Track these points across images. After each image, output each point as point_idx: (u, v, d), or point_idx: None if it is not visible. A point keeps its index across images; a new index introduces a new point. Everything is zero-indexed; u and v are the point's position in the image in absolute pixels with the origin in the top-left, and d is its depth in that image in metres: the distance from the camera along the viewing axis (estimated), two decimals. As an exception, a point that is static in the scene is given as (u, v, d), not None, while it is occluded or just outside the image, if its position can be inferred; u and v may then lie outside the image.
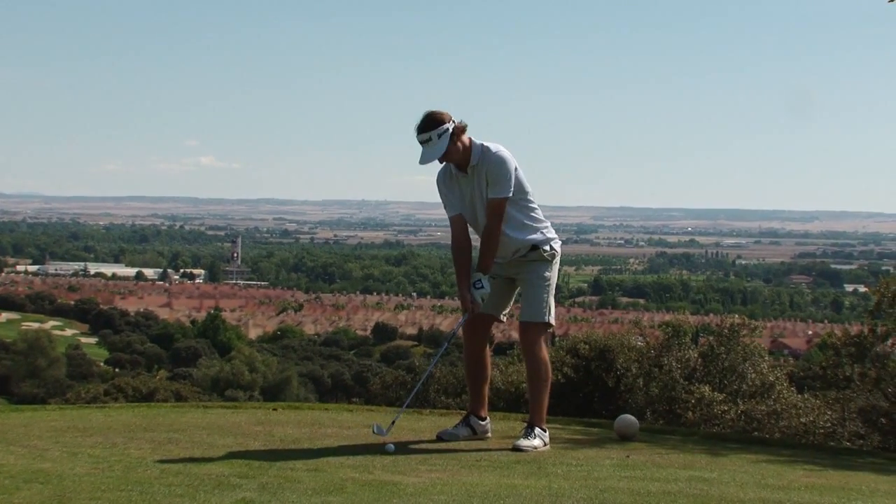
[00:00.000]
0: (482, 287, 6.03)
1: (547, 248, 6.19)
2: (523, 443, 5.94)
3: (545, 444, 6.06)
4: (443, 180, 6.15)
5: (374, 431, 5.91)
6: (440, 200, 6.18)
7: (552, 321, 6.21)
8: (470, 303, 6.04)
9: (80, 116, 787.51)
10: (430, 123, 5.87)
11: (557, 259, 6.27)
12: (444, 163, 6.02)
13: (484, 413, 6.30)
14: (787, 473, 5.67)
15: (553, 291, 6.24)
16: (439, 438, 6.14)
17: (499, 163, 5.96)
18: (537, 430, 6.07)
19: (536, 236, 6.16)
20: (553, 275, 6.23)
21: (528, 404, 6.44)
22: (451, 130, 5.88)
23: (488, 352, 6.38)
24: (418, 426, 6.74)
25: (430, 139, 5.86)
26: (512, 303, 6.38)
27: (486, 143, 6.00)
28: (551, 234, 6.24)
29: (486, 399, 6.35)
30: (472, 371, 6.29)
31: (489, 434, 6.27)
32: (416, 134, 5.91)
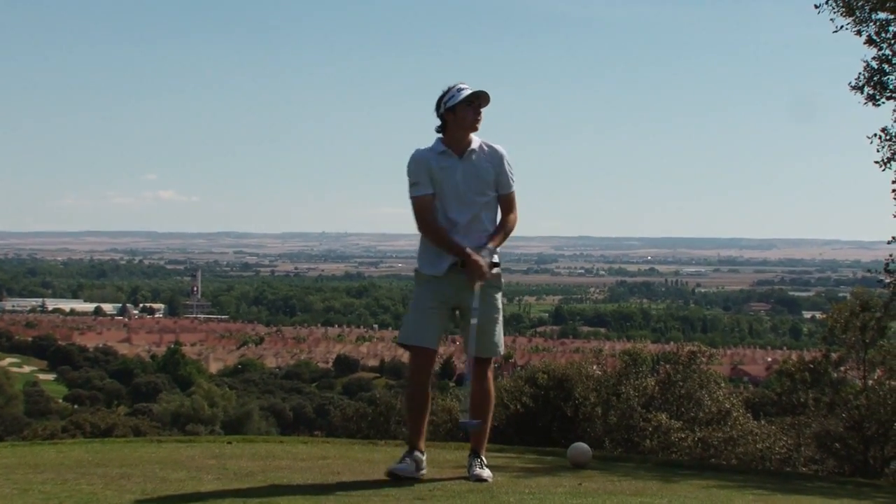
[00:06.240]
0: (488, 256, 5.80)
1: (500, 273, 6.06)
2: (485, 473, 5.92)
3: None
4: (432, 158, 5.91)
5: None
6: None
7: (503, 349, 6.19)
8: (487, 268, 5.80)
9: (36, 151, 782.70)
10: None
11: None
12: (437, 143, 5.93)
13: (423, 445, 6.03)
14: (736, 498, 5.72)
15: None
16: (391, 476, 5.84)
17: (503, 157, 5.93)
18: (484, 459, 6.07)
19: (496, 257, 6.00)
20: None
21: (470, 436, 6.30)
22: (462, 105, 5.82)
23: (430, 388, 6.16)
24: (373, 457, 6.74)
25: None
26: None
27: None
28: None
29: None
30: (421, 405, 6.01)
31: (424, 470, 5.94)
32: (461, 87, 5.85)
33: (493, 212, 5.97)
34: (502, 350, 6.14)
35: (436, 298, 5.91)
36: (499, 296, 6.05)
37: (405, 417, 6.25)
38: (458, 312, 5.99)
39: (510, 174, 5.95)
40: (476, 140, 5.92)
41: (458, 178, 5.86)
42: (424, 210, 5.88)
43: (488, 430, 6.14)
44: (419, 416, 5.95)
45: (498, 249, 5.95)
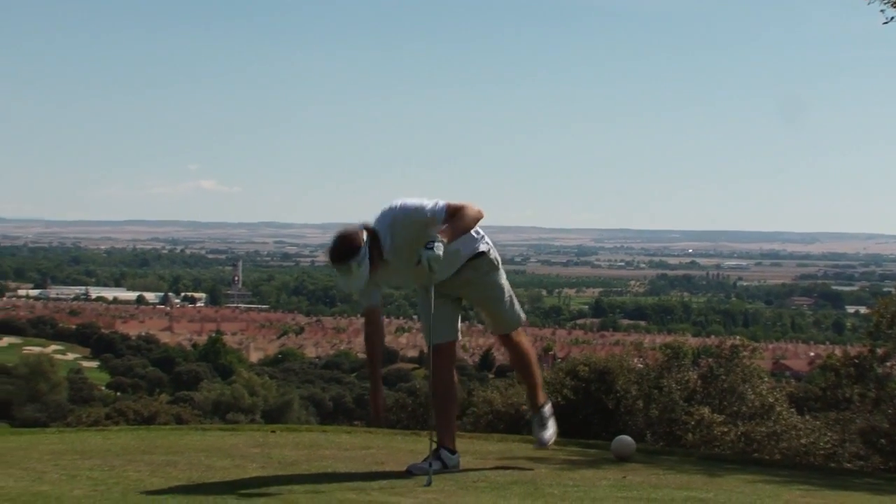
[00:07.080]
0: (432, 250, 5.48)
1: (494, 255, 6.08)
2: (547, 434, 6.17)
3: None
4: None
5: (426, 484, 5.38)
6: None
7: (524, 316, 6.36)
8: (382, 410, 6.05)
9: (80, 141, 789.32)
10: (347, 251, 5.57)
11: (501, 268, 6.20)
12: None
13: (454, 445, 5.99)
14: (783, 493, 5.68)
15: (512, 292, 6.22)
16: (409, 472, 5.73)
17: (406, 213, 5.71)
18: (546, 410, 6.31)
19: (480, 245, 6.02)
20: (505, 280, 6.20)
21: (528, 425, 6.44)
22: (367, 251, 5.58)
23: (456, 377, 6.19)
24: (417, 448, 6.75)
25: (349, 269, 5.56)
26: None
27: (378, 219, 5.77)
28: (490, 242, 6.09)
29: (455, 430, 6.13)
30: (442, 400, 6.01)
31: (459, 468, 5.90)
32: (330, 260, 5.63)
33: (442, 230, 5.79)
34: (522, 319, 6.32)
35: (436, 295, 5.94)
36: (496, 275, 6.11)
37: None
38: (464, 302, 6.14)
39: (425, 208, 5.68)
40: (381, 229, 5.70)
41: (397, 265, 5.76)
42: (367, 323, 5.98)
43: (539, 380, 6.43)
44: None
45: (481, 235, 6.00)
